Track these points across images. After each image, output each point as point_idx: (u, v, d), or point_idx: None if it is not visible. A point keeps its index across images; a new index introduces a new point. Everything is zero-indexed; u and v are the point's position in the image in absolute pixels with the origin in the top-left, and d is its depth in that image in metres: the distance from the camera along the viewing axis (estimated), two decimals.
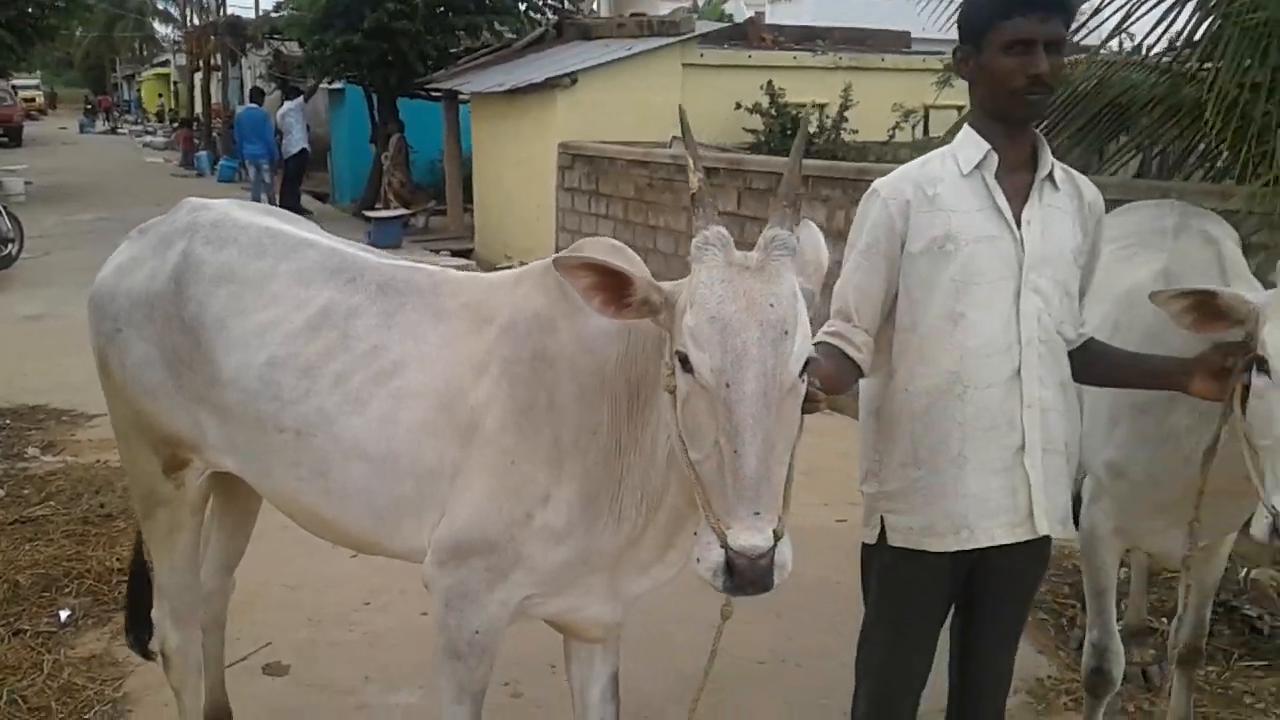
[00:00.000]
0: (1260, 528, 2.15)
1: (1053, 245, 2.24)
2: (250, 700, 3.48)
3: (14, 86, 57.12)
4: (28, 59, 20.35)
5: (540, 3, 16.58)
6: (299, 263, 2.47)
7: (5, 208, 11.91)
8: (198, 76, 30.33)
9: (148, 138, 35.11)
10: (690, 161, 1.84)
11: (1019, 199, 2.24)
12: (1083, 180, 2.37)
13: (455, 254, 13.73)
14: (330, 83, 17.90)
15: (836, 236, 7.55)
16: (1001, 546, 2.28)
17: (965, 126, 2.29)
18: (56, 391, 7.00)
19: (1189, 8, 4.33)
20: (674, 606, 3.46)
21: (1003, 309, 2.21)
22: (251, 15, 25.94)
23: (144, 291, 2.54)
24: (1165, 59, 4.45)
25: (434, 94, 15.58)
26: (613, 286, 1.85)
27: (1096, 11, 4.65)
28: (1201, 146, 4.56)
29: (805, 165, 8.01)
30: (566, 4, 16.89)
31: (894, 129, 12.23)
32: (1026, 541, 2.29)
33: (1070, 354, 2.33)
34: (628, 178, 10.47)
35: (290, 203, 15.15)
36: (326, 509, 2.38)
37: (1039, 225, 2.23)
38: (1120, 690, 3.10)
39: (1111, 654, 2.94)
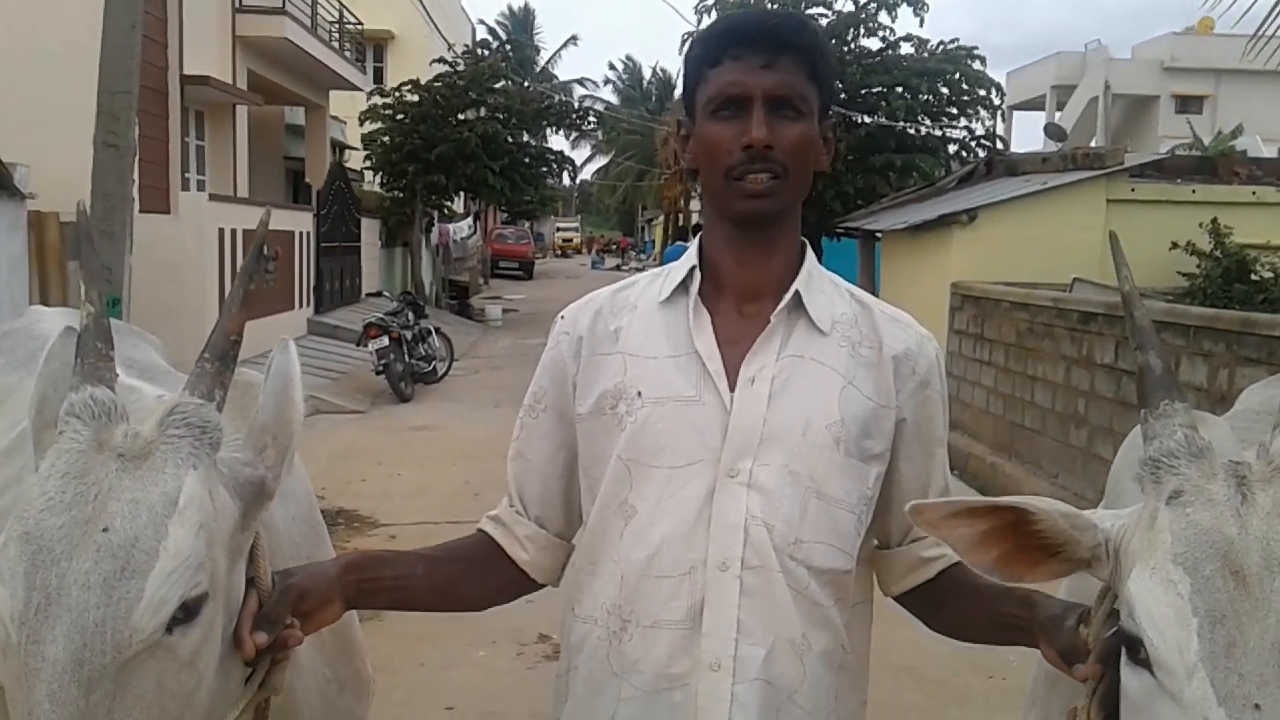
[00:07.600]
0: None
1: (793, 417, 1.42)
2: None
3: (558, 228, 65.92)
4: (520, 203, 22.92)
5: (970, 141, 15.82)
6: None
7: (437, 329, 13.24)
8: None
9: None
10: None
11: (743, 344, 1.45)
12: (890, 318, 1.54)
13: None
14: None
15: (1216, 400, 6.14)
16: None
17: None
18: (368, 499, 7.43)
19: None
20: None
21: (687, 509, 1.41)
22: None
23: None
24: None
25: (853, 232, 15.34)
26: None
27: None
28: None
29: (1189, 314, 6.67)
30: (998, 142, 15.96)
31: None
32: None
33: (918, 592, 1.51)
34: (1010, 321, 9.45)
35: None
36: None
37: (769, 385, 1.43)
38: None
39: None
